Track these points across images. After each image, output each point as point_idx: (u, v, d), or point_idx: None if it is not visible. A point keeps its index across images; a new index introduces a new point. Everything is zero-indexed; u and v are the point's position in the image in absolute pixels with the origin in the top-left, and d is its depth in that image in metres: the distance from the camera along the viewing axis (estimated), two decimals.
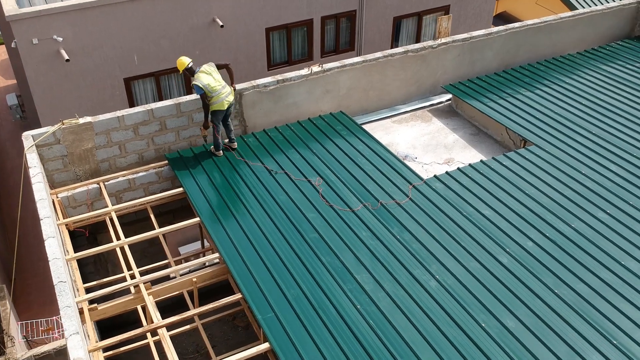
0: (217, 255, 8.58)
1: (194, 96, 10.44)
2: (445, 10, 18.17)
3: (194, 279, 8.37)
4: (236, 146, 10.60)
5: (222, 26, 14.59)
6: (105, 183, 9.98)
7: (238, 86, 10.83)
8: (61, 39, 13.16)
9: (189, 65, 9.97)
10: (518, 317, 7.38)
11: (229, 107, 10.03)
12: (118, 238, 9.05)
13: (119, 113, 10.08)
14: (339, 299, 7.66)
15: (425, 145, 11.52)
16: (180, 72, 10.14)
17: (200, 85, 9.69)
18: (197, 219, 9.26)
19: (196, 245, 14.28)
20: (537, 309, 7.49)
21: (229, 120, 10.33)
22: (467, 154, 11.20)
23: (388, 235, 8.68)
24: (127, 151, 10.40)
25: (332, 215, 9.08)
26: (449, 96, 12.82)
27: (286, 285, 7.88)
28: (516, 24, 13.07)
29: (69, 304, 6.94)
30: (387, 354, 6.95)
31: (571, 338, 7.13)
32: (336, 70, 11.48)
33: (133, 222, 10.62)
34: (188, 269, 9.70)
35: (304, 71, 11.26)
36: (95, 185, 9.93)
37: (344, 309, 7.53)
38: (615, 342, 7.07)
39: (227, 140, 10.62)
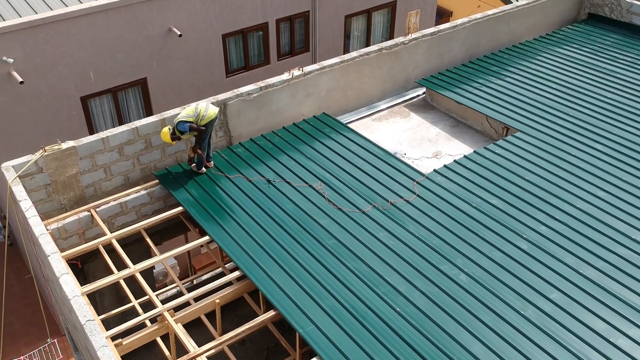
0: (237, 274, 8.23)
1: (177, 109, 10.03)
2: (392, 6, 18.37)
3: (217, 300, 8.02)
4: (212, 165, 10.24)
5: (180, 35, 14.08)
6: (97, 209, 9.40)
7: (221, 96, 10.47)
8: (12, 60, 12.28)
9: (171, 130, 9.49)
10: (561, 289, 7.57)
11: (215, 118, 9.65)
12: (117, 266, 8.57)
13: (102, 134, 9.51)
14: (375, 303, 7.57)
15: (410, 140, 11.59)
16: (172, 141, 9.58)
17: (184, 119, 9.32)
18: (207, 237, 8.88)
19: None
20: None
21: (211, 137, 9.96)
22: (453, 146, 11.36)
23: (406, 233, 8.65)
24: (113, 174, 9.85)
25: (344, 220, 8.95)
26: (422, 90, 12.97)
27: (319, 296, 7.68)
28: (478, 15, 13.38)
29: (103, 344, 6.48)
30: (431, 346, 6.95)
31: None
32: (316, 73, 11.33)
33: (124, 246, 10.06)
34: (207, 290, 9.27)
35: (285, 75, 11.05)
36: (87, 213, 9.32)
37: (382, 312, 7.45)
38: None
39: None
